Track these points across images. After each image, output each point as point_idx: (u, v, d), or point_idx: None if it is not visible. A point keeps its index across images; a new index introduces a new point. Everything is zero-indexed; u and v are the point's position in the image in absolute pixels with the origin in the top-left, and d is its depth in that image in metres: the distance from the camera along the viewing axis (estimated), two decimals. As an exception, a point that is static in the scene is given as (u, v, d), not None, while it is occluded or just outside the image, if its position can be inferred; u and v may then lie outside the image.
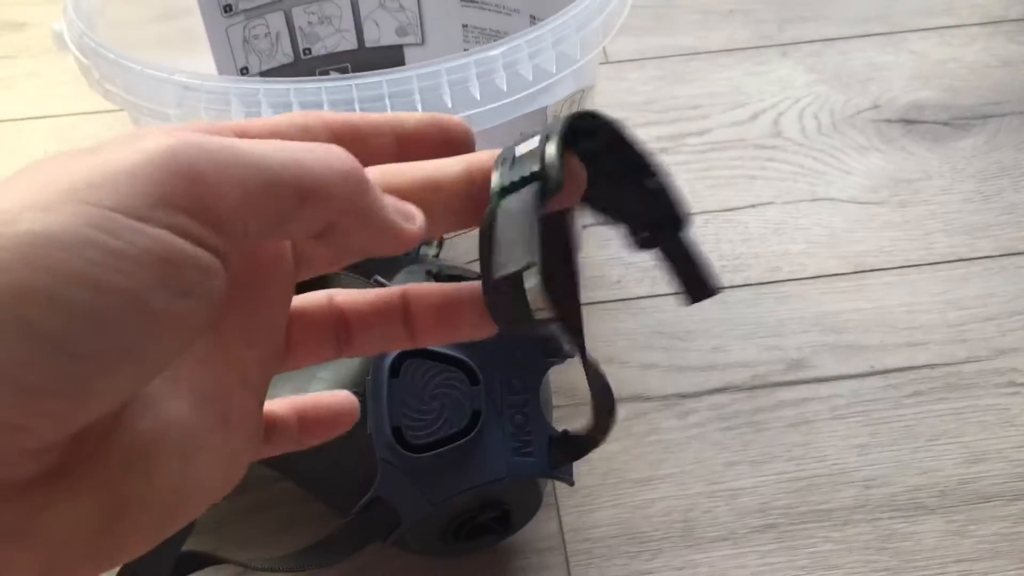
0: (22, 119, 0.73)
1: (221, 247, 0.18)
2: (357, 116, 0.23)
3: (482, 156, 0.22)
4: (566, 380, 0.54)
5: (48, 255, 0.16)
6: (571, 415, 0.52)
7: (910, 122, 0.70)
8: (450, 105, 0.42)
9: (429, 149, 0.23)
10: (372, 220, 0.20)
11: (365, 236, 0.20)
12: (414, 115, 0.23)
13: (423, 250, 0.48)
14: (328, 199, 0.19)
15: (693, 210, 0.64)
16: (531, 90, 0.44)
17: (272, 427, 0.25)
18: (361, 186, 0.19)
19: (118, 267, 0.16)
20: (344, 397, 0.26)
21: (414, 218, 0.21)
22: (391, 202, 0.21)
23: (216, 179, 0.17)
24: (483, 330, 0.23)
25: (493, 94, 0.43)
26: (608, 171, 0.23)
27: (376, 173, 0.22)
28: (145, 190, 0.17)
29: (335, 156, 0.19)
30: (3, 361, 0.16)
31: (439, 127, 0.23)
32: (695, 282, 0.25)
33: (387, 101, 0.42)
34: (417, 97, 0.42)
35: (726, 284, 0.59)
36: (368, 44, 0.62)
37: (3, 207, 0.16)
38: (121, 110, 0.71)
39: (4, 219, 0.16)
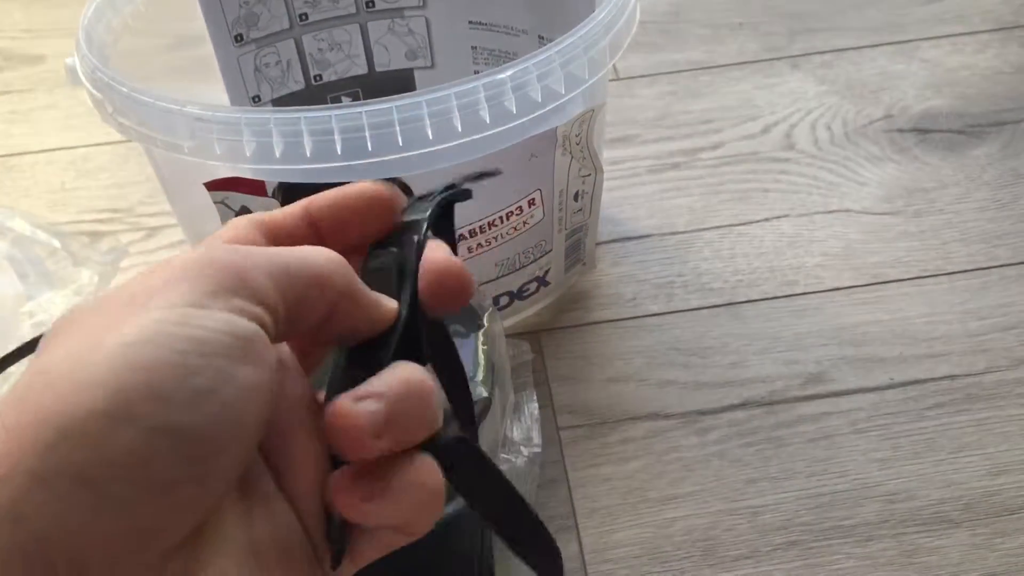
0: (39, 151, 0.74)
1: (269, 323, 0.21)
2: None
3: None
4: (582, 399, 0.54)
5: (143, 354, 0.18)
6: (587, 436, 0.52)
7: (924, 131, 0.70)
8: (460, 129, 0.42)
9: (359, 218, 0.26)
10: (361, 299, 0.23)
11: (357, 315, 0.23)
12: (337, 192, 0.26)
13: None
14: (332, 282, 0.22)
15: (708, 224, 0.64)
16: (541, 112, 0.44)
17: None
18: (351, 273, 0.23)
19: (202, 351, 0.19)
20: None
21: (386, 300, 0.24)
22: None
23: (251, 269, 0.21)
24: None
25: (503, 117, 0.43)
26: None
27: None
28: (201, 286, 0.20)
29: (330, 253, 0.23)
30: (130, 463, 0.18)
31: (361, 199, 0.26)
32: None
33: (397, 127, 0.42)
34: (427, 122, 0.42)
35: (742, 299, 0.59)
36: (378, 68, 0.63)
37: (89, 340, 0.19)
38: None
39: (93, 343, 0.19)
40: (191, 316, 0.19)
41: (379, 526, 0.23)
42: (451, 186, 0.27)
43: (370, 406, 0.21)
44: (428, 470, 0.22)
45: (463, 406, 0.29)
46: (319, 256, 0.22)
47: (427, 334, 0.25)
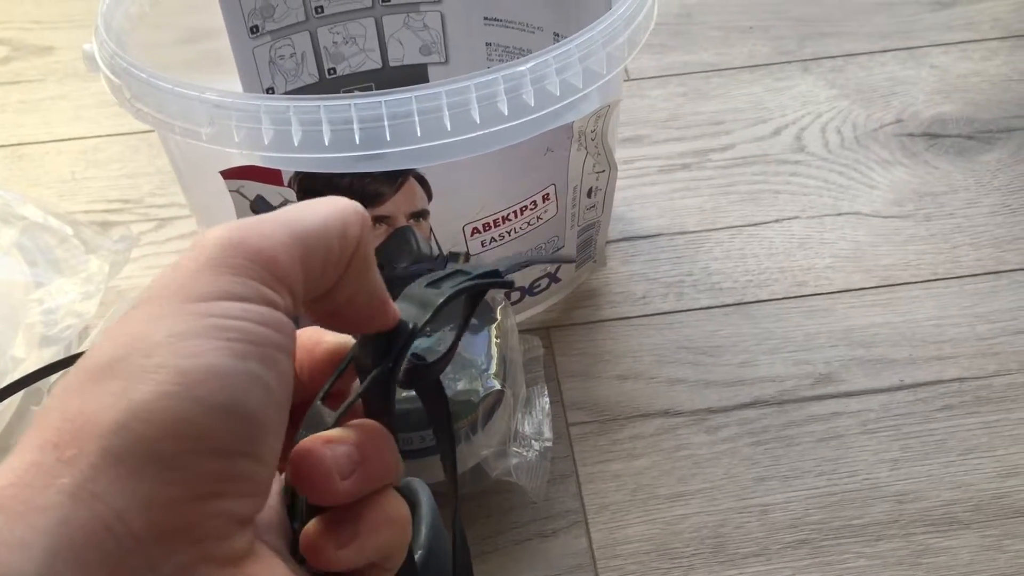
0: (49, 141, 0.74)
1: (291, 308, 0.21)
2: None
3: None
4: (591, 396, 0.54)
5: (193, 345, 0.19)
6: (597, 432, 0.52)
7: (934, 136, 0.70)
8: (478, 121, 0.43)
9: None
10: (371, 265, 0.23)
11: (364, 282, 0.23)
12: None
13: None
14: (350, 232, 0.22)
15: (718, 225, 0.64)
16: (558, 105, 0.44)
17: None
18: (367, 222, 0.23)
19: (247, 339, 0.20)
20: None
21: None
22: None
23: (275, 251, 0.21)
24: None
25: (521, 109, 0.43)
26: None
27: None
28: (231, 276, 0.20)
29: (345, 202, 0.23)
30: (196, 435, 0.18)
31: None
32: None
33: (416, 117, 0.42)
34: (445, 113, 0.42)
35: (752, 299, 0.59)
36: (392, 63, 0.63)
37: (140, 333, 0.19)
38: (147, 131, 0.71)
39: (144, 336, 0.19)
40: (228, 309, 0.20)
41: (355, 569, 0.23)
42: (493, 272, 0.25)
43: (339, 448, 0.22)
44: (394, 503, 0.23)
45: (448, 450, 0.27)
46: (335, 204, 0.22)
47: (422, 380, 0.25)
